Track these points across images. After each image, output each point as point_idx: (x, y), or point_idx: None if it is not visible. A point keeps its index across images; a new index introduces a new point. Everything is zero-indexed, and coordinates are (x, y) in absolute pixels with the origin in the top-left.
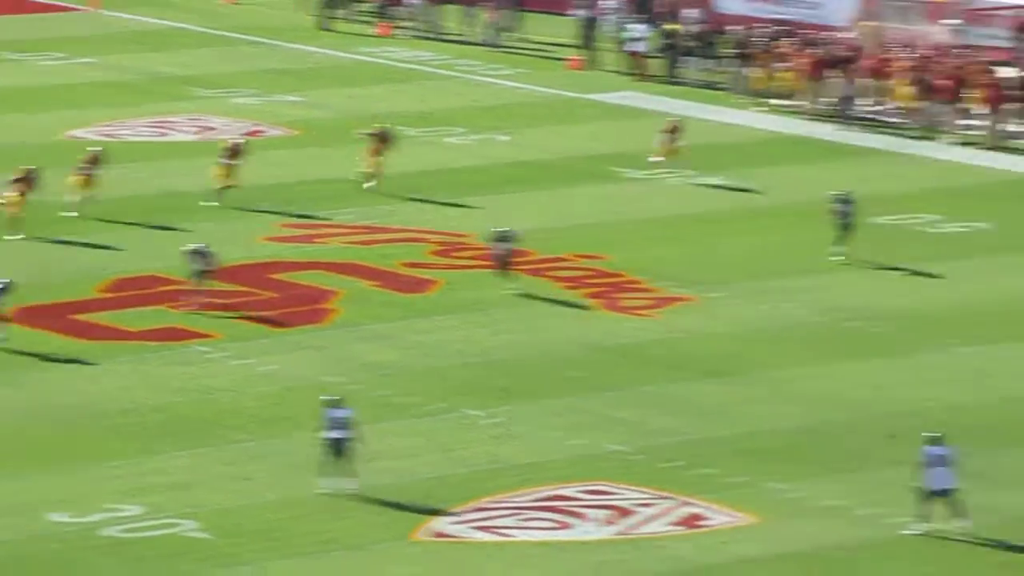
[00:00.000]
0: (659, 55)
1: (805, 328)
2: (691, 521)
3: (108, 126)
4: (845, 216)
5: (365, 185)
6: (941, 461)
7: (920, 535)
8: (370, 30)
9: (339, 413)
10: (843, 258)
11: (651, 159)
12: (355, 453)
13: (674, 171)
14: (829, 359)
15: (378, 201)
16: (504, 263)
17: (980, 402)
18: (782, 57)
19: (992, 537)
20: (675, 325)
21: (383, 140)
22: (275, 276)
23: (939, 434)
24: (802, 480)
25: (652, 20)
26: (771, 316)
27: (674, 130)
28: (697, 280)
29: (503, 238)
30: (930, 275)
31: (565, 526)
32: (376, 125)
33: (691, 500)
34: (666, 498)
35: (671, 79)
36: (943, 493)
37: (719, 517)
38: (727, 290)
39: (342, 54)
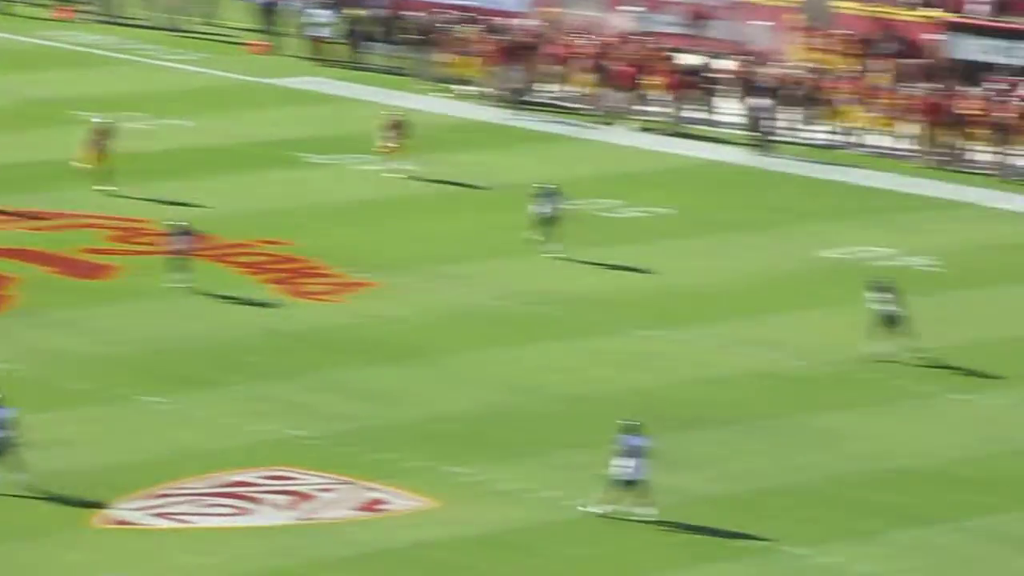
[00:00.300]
0: (342, 41)
1: (487, 313)
2: (372, 506)
3: None
4: (549, 210)
5: (94, 187)
6: (637, 452)
7: (601, 516)
8: (49, 14)
9: (1, 413)
10: (556, 252)
11: (380, 148)
12: (19, 450)
13: (357, 157)
14: (512, 343)
15: (55, 187)
16: (182, 256)
17: (663, 385)
18: (465, 43)
19: (672, 518)
20: (358, 310)
21: (103, 134)
22: None
23: (637, 423)
24: (483, 464)
25: (335, 6)
26: (453, 301)
27: (397, 125)
28: (380, 265)
29: (181, 231)
30: (612, 260)
31: (245, 512)
32: (96, 120)
33: (372, 485)
34: (347, 483)
35: (354, 64)
36: (633, 483)
37: (400, 501)
38: (410, 275)
39: (21, 38)
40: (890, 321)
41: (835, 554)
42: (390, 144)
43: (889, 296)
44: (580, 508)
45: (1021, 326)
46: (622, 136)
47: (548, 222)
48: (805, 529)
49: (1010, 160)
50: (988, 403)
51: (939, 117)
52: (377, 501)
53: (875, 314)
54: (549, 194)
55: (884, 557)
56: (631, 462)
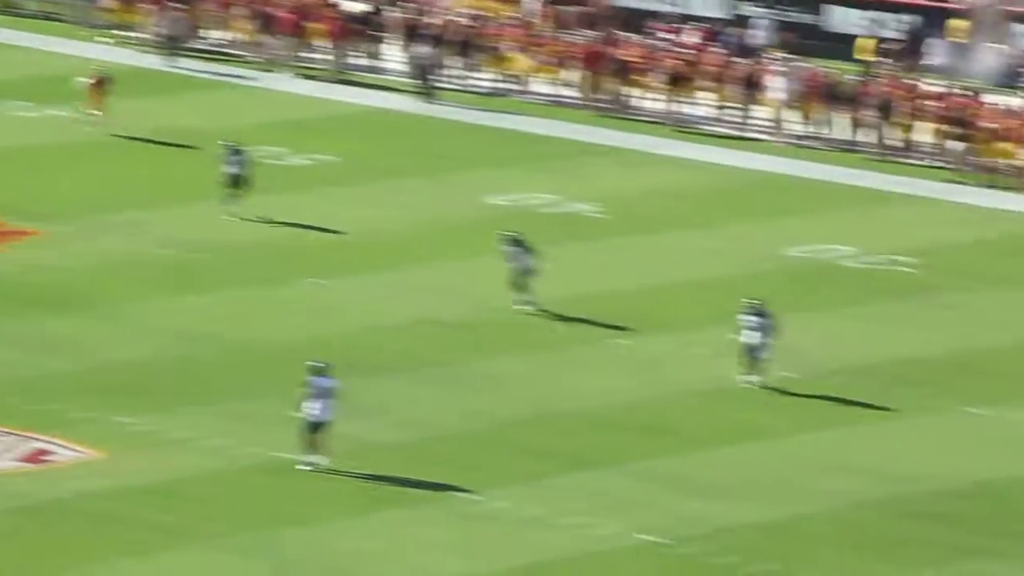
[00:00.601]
0: None
1: (154, 261)
2: (36, 457)
3: None
4: (237, 167)
5: None
6: (326, 393)
7: (310, 469)
8: None
9: None
10: (234, 217)
11: (84, 111)
12: None
13: (14, 103)
14: (180, 292)
15: None
16: None
17: (333, 333)
18: None
19: (345, 466)
20: (19, 259)
21: None
22: None
23: (325, 364)
24: (151, 414)
25: None
26: (119, 250)
27: (101, 81)
28: (42, 214)
29: None
30: (279, 208)
31: None
32: None
33: (36, 436)
34: (9, 434)
35: (10, 10)
36: (320, 426)
37: (65, 452)
38: (74, 224)
39: None
40: (523, 274)
41: (504, 499)
42: (93, 99)
43: (520, 250)
44: (298, 468)
45: (683, 272)
46: (285, 83)
47: (236, 180)
48: (475, 475)
49: (676, 107)
50: (651, 348)
51: (601, 64)
52: (41, 452)
53: (510, 269)
54: (236, 151)
55: (551, 500)
56: (318, 404)
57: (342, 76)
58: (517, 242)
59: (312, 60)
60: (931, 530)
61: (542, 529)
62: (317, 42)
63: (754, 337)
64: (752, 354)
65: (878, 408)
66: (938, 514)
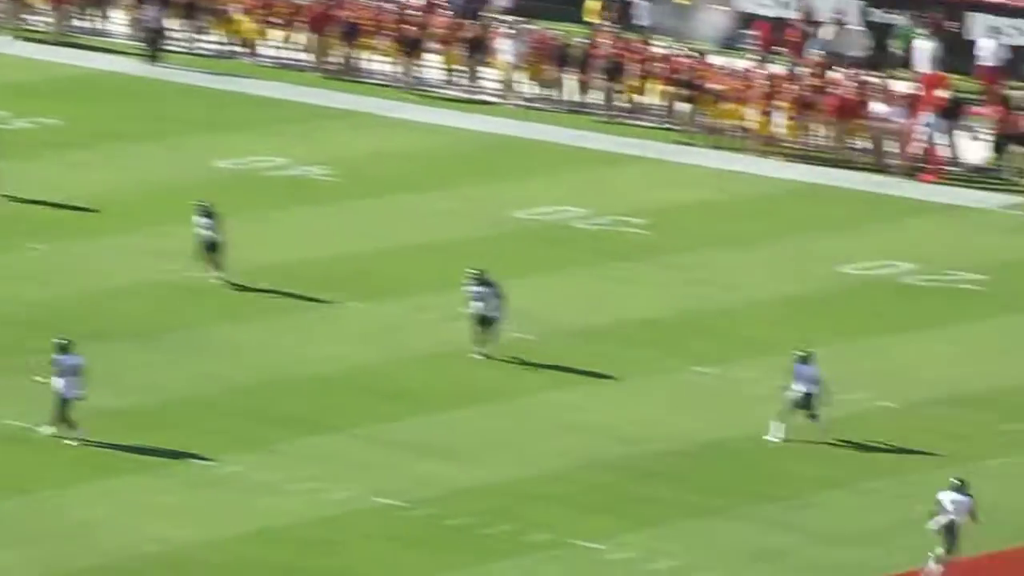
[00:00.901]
0: None
1: None
2: None
3: None
4: None
5: None
6: (73, 370)
7: (56, 437)
8: None
9: None
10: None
11: None
12: None
13: None
14: None
15: None
16: None
17: (61, 298)
18: None
19: (97, 438)
20: None
21: None
22: None
23: (67, 341)
24: None
25: None
26: None
27: None
28: None
29: None
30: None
31: None
32: None
33: None
34: None
35: None
36: (68, 403)
37: None
38: None
39: None
40: (211, 247)
41: (236, 464)
42: None
43: (211, 222)
44: (38, 430)
45: (414, 235)
46: (6, 46)
47: None
48: (206, 440)
49: (406, 70)
50: (383, 312)
51: (329, 27)
52: None
53: (198, 239)
54: None
55: (284, 466)
56: (62, 381)
57: (65, 39)
58: (207, 212)
59: (34, 23)
60: (660, 489)
61: (275, 494)
62: (38, 4)
63: (479, 307)
64: (481, 323)
65: (609, 369)
66: (666, 473)
